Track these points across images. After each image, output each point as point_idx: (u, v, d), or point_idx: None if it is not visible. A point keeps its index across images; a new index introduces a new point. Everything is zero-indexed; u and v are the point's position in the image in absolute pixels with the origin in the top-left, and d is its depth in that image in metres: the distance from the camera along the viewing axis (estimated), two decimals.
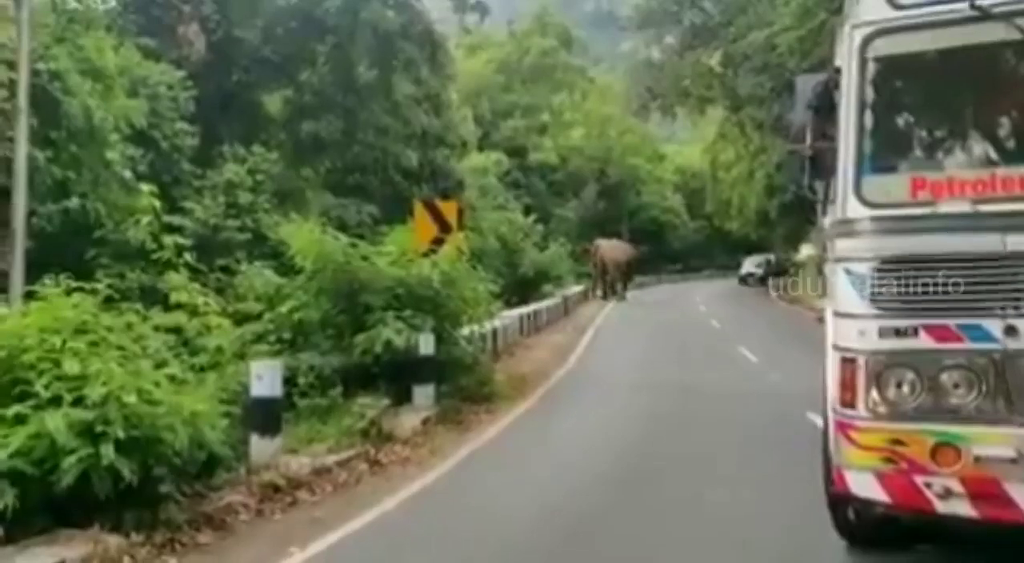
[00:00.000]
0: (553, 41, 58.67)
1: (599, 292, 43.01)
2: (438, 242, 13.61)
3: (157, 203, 12.95)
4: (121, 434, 6.34)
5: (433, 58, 29.26)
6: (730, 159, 52.49)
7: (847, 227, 4.89)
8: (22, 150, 8.96)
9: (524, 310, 24.14)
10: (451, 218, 14.07)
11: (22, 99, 9.00)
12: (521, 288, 28.92)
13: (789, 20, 24.79)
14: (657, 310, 35.02)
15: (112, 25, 20.03)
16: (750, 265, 56.85)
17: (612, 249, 44.53)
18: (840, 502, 5.36)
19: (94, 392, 6.48)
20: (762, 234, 53.52)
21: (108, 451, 6.23)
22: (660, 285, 56.64)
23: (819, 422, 10.51)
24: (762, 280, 51.05)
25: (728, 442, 10.31)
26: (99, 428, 6.34)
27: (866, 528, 5.48)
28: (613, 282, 43.83)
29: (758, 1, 32.12)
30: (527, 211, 41.14)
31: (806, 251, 40.70)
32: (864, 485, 4.77)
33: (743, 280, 54.87)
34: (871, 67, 4.90)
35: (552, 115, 58.34)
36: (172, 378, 7.64)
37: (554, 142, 56.94)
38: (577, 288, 39.45)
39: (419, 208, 14.45)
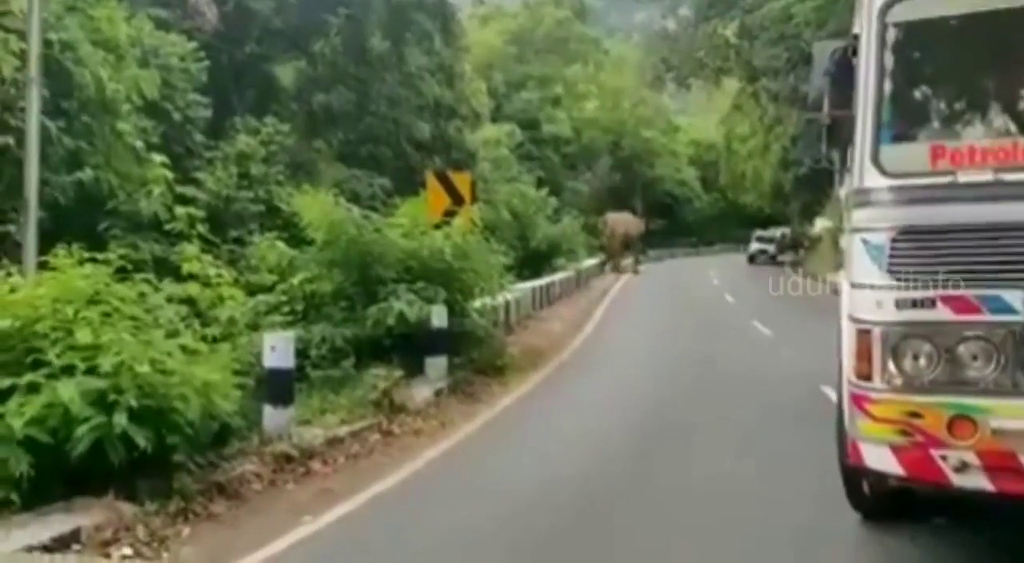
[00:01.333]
0: (567, 11, 58.18)
1: (610, 265, 42.94)
2: (451, 214, 13.56)
3: (169, 174, 12.99)
4: (134, 403, 6.36)
5: (446, 29, 29.05)
6: (745, 132, 52.16)
7: (865, 196, 4.80)
8: (34, 120, 8.92)
9: (537, 283, 24.08)
10: (464, 190, 14.01)
11: (33, 69, 8.95)
12: (534, 261, 28.83)
13: None
14: (670, 284, 34.94)
15: None
16: (760, 241, 52.07)
17: (622, 222, 44.41)
18: (855, 475, 5.32)
19: (107, 361, 6.51)
20: (777, 208, 53.08)
21: (121, 420, 6.26)
22: (673, 259, 56.43)
23: (833, 396, 10.51)
24: (774, 258, 47.96)
25: (743, 417, 10.26)
26: (112, 397, 6.37)
27: (881, 501, 5.44)
28: (624, 255, 43.80)
29: None
30: (539, 184, 40.91)
31: (821, 224, 40.40)
32: (879, 458, 4.72)
33: (751, 258, 50.69)
34: (890, 33, 4.79)
35: (565, 87, 57.91)
36: (184, 348, 7.64)
37: (567, 114, 56.58)
38: (591, 261, 39.35)
39: (432, 180, 14.39)
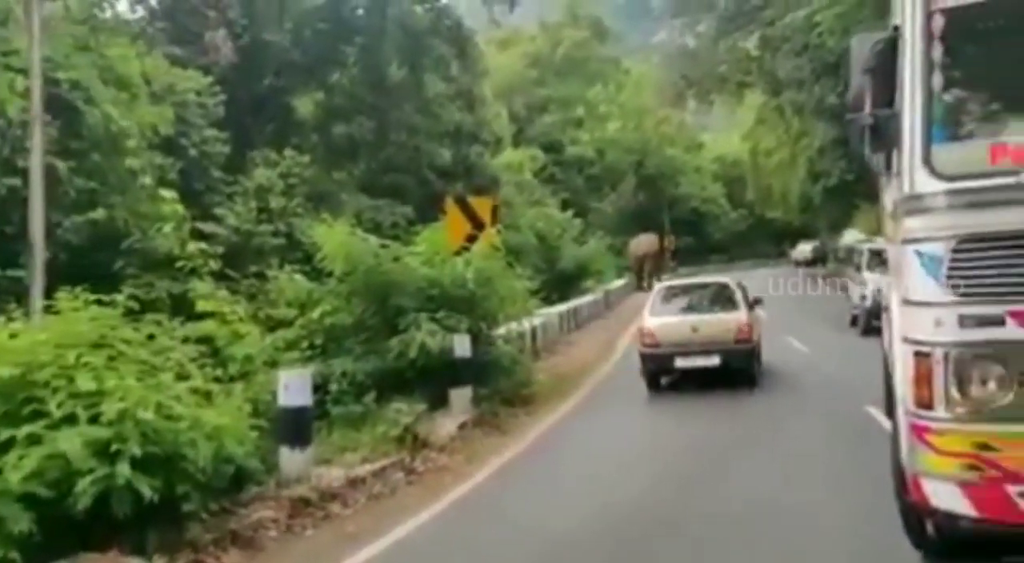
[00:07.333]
0: (585, 32, 58.07)
1: (644, 284, 42.61)
2: (471, 239, 13.20)
3: (181, 210, 12.76)
4: (138, 451, 6.07)
5: (463, 54, 28.88)
6: (770, 145, 51.52)
7: (917, 203, 4.31)
8: (37, 159, 8.68)
9: (564, 307, 23.67)
10: (484, 214, 13.64)
11: (35, 107, 8.74)
12: (561, 284, 28.44)
13: None
14: None
15: (141, 34, 19.93)
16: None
17: (638, 244, 44.37)
18: (916, 513, 4.78)
19: (110, 409, 6.21)
20: (805, 221, 52.22)
21: (124, 470, 5.96)
22: (706, 275, 55.63)
23: (877, 416, 9.97)
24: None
25: (786, 446, 9.64)
26: (115, 446, 6.08)
27: (948, 542, 4.90)
28: (645, 274, 43.59)
29: None
30: (564, 206, 40.62)
31: (850, 236, 39.70)
32: (946, 496, 4.20)
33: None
34: (937, 20, 4.33)
35: (587, 108, 57.68)
36: (195, 391, 7.35)
37: (590, 135, 56.31)
38: (619, 282, 38.86)
39: (451, 205, 14.05)
